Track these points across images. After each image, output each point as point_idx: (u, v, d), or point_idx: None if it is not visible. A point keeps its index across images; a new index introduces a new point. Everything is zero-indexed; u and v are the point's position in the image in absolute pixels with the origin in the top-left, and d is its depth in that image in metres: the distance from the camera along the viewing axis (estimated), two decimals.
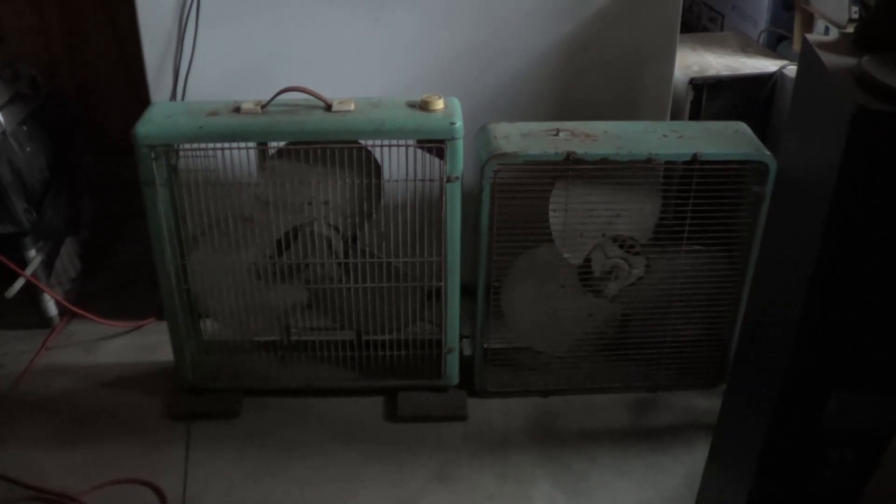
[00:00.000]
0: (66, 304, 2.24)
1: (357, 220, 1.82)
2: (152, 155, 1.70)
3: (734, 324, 1.95)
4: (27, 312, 2.24)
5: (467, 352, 2.02)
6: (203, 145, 1.72)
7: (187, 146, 1.72)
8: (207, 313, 1.95)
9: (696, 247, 1.88)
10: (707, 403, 2.00)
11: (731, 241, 1.87)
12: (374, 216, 1.81)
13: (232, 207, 1.78)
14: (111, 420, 1.97)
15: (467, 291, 1.92)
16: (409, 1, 1.95)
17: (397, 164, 1.73)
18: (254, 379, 2.01)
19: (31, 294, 2.21)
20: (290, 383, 2.01)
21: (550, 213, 1.82)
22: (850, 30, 1.18)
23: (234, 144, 1.72)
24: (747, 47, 2.45)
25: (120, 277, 2.46)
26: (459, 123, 1.71)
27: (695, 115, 2.23)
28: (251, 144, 1.74)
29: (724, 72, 2.25)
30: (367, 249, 1.85)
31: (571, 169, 1.77)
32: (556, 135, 1.82)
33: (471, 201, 1.81)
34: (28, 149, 2.19)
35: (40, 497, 1.76)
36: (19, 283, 2.10)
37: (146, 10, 1.92)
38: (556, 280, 1.90)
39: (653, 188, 1.85)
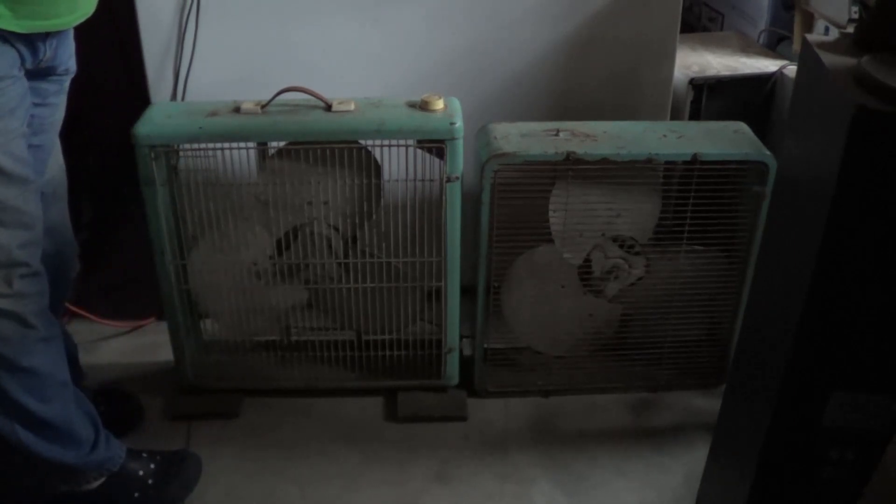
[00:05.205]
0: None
1: (357, 220, 1.82)
2: (152, 155, 1.70)
3: (734, 324, 1.95)
4: None
5: (467, 352, 2.02)
6: (203, 145, 1.72)
7: (187, 146, 1.72)
8: (207, 313, 1.95)
9: (696, 247, 1.88)
10: (707, 403, 2.00)
11: (731, 241, 1.87)
12: (374, 216, 1.81)
13: (232, 207, 1.78)
14: None
15: (467, 291, 1.92)
16: (409, 1, 1.95)
17: (397, 164, 1.73)
18: (254, 379, 2.01)
19: None
20: (290, 383, 2.01)
21: (550, 213, 1.82)
22: (850, 30, 1.17)
23: (234, 144, 1.72)
24: (747, 47, 2.45)
25: (120, 277, 2.46)
26: (459, 123, 1.71)
27: (695, 115, 2.23)
28: (251, 144, 1.74)
29: (724, 72, 2.25)
30: (367, 249, 1.85)
31: (571, 169, 1.77)
32: (556, 135, 1.82)
33: (471, 201, 1.81)
34: None
35: None
36: None
37: (146, 10, 1.92)
38: (556, 280, 1.90)
39: (653, 188, 1.85)
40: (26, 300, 1.42)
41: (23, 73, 1.40)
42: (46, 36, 1.42)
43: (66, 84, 1.58)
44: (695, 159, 1.77)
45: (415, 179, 1.74)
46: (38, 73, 1.47)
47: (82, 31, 1.53)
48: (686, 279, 1.90)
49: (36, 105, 1.48)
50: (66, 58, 1.53)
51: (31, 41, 1.39)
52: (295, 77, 1.74)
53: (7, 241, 1.37)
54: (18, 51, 1.37)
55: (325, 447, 1.90)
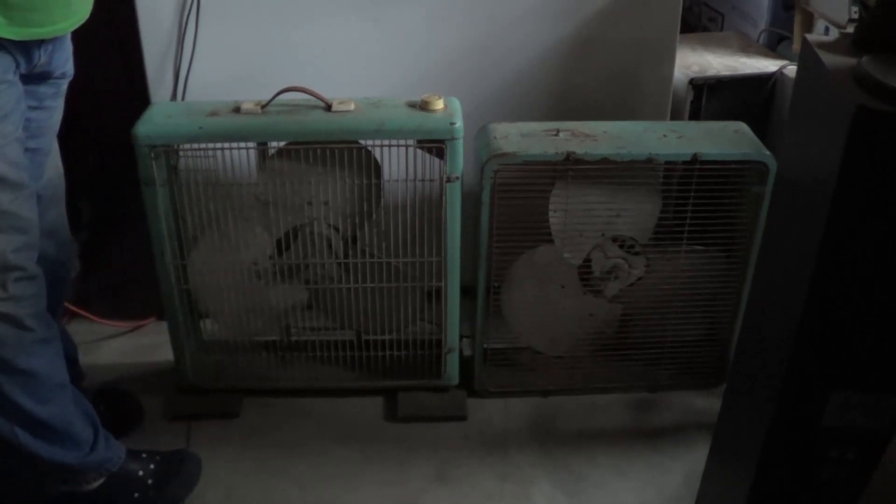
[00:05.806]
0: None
1: (357, 220, 1.82)
2: (152, 155, 1.70)
3: (734, 324, 1.95)
4: None
5: (467, 352, 2.02)
6: (203, 145, 1.72)
7: (187, 146, 1.72)
8: (207, 313, 1.95)
9: (696, 247, 1.88)
10: (707, 403, 2.00)
11: (731, 241, 1.87)
12: (374, 216, 1.81)
13: (232, 207, 1.78)
14: None
15: (467, 291, 1.92)
16: (409, 1, 1.95)
17: (397, 164, 1.73)
18: (254, 379, 2.01)
19: None
20: (290, 383, 2.01)
21: (550, 213, 1.82)
22: (850, 30, 1.17)
23: (234, 144, 1.72)
24: (747, 47, 2.45)
25: (120, 277, 2.46)
26: (459, 123, 1.71)
27: (695, 115, 2.22)
28: (251, 144, 1.74)
29: (724, 72, 2.25)
30: (367, 249, 1.85)
31: (571, 169, 1.77)
32: (556, 135, 1.82)
33: (471, 201, 1.81)
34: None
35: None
36: None
37: (146, 10, 1.92)
38: (556, 280, 1.90)
39: (653, 188, 1.85)
40: (22, 303, 1.42)
41: (17, 77, 1.39)
42: (42, 42, 1.41)
43: (64, 87, 1.58)
44: (695, 159, 1.77)
45: (415, 179, 1.74)
46: (35, 77, 1.46)
47: (82, 32, 1.53)
48: (686, 279, 1.90)
49: (33, 108, 1.48)
50: (63, 62, 1.53)
51: (26, 47, 1.38)
52: (295, 77, 1.74)
53: (2, 245, 1.38)
54: (13, 56, 1.36)
55: (325, 447, 1.90)
